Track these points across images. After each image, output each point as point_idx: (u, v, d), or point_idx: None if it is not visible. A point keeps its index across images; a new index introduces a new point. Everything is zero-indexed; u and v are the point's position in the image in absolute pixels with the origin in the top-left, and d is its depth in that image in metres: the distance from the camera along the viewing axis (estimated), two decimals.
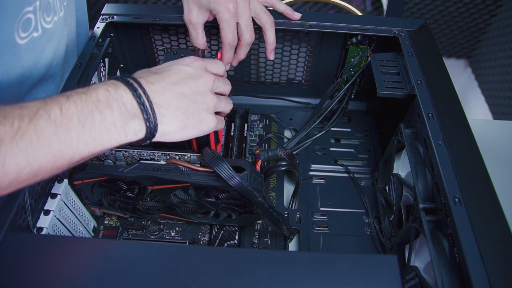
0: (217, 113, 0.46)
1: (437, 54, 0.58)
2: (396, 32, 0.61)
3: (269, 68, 0.73)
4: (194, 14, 0.53)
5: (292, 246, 0.57)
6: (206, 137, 0.48)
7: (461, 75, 1.79)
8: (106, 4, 0.64)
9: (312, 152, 0.68)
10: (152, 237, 0.58)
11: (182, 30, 0.66)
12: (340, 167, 0.66)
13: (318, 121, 0.66)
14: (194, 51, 0.53)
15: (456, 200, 0.40)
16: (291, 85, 0.75)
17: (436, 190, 0.44)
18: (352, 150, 0.69)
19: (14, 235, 0.37)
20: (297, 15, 0.61)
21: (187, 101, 0.40)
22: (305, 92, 0.76)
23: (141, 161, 0.50)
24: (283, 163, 0.57)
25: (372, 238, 0.58)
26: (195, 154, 0.50)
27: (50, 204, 0.45)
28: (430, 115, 0.48)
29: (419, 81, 0.53)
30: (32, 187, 0.42)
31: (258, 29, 0.58)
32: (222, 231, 0.57)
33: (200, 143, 0.49)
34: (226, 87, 0.47)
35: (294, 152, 0.63)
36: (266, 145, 0.68)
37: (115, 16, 0.62)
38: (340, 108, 0.69)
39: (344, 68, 0.68)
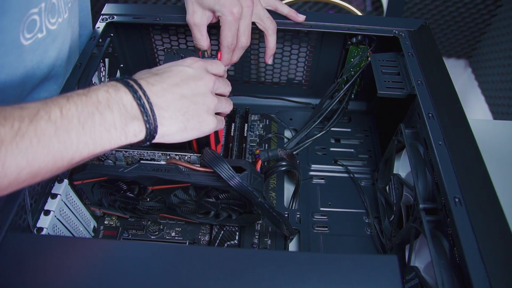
0: (217, 113, 0.46)
1: (437, 54, 0.58)
2: (396, 32, 0.61)
3: (269, 68, 0.73)
4: (198, 15, 0.53)
5: (292, 246, 0.57)
6: (206, 137, 0.48)
7: (461, 75, 1.79)
8: (106, 4, 0.64)
9: (312, 152, 0.68)
10: (152, 237, 0.58)
11: (182, 30, 0.66)
12: (340, 167, 0.66)
13: (318, 121, 0.66)
14: (194, 51, 0.53)
15: (456, 200, 0.40)
16: (291, 85, 0.75)
17: (436, 190, 0.44)
18: (352, 150, 0.69)
19: (14, 235, 0.37)
20: (301, 17, 0.61)
21: (187, 103, 0.40)
22: (305, 92, 0.76)
23: (141, 161, 0.50)
24: (283, 163, 0.57)
25: (372, 238, 0.58)
26: (195, 154, 0.50)
27: (50, 204, 0.45)
28: (430, 115, 0.48)
29: (419, 81, 0.53)
30: (32, 187, 0.42)
31: (257, 30, 0.58)
32: (222, 231, 0.57)
33: (200, 143, 0.49)
34: (226, 88, 0.47)
35: (294, 152, 0.62)
36: (266, 145, 0.68)
37: (115, 16, 0.62)
38: (340, 108, 0.69)
39: (344, 68, 0.68)
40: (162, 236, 0.58)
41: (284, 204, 0.61)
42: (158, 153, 0.50)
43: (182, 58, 0.47)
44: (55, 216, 0.45)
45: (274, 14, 0.60)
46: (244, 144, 0.66)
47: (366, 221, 0.60)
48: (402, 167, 0.55)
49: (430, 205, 0.44)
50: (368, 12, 1.64)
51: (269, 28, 0.57)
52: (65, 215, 0.48)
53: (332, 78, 0.73)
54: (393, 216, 0.54)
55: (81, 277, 0.34)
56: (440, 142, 0.45)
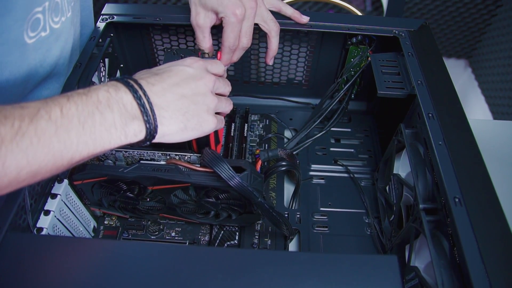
0: (217, 113, 0.46)
1: (437, 54, 0.58)
2: (396, 32, 0.61)
3: (269, 68, 0.73)
4: (202, 17, 0.53)
5: (292, 246, 0.57)
6: (206, 137, 0.48)
7: (461, 75, 1.79)
8: (106, 4, 0.64)
9: (312, 152, 0.68)
10: (152, 237, 0.58)
11: (182, 30, 0.66)
12: (340, 167, 0.66)
13: (318, 121, 0.66)
14: (194, 51, 0.53)
15: (456, 200, 0.40)
16: (291, 85, 0.75)
17: (436, 190, 0.44)
18: (352, 150, 0.69)
19: (14, 235, 0.37)
20: (305, 19, 0.61)
21: (187, 102, 0.40)
22: (305, 92, 0.76)
23: (141, 161, 0.50)
24: (283, 163, 0.57)
25: (372, 238, 0.58)
26: (195, 154, 0.50)
27: (50, 204, 0.45)
28: (430, 115, 0.48)
29: (419, 81, 0.53)
30: (32, 187, 0.42)
31: (258, 30, 0.58)
32: (222, 231, 0.57)
33: (200, 143, 0.49)
34: (226, 87, 0.47)
35: (294, 152, 0.62)
36: (266, 145, 0.68)
37: (115, 16, 0.62)
38: (340, 108, 0.69)
39: (344, 68, 0.68)
40: (162, 236, 0.58)
41: (284, 204, 0.61)
42: (158, 153, 0.50)
43: (182, 58, 0.47)
44: (55, 216, 0.45)
45: (277, 15, 0.60)
46: (244, 144, 0.66)
47: (366, 221, 0.60)
48: (402, 167, 0.55)
49: (430, 205, 0.44)
50: (368, 12, 1.64)
51: (273, 30, 0.57)
52: (65, 215, 0.48)
53: (332, 78, 0.73)
54: (393, 216, 0.54)
55: (81, 277, 0.34)
56: (440, 142, 0.45)
